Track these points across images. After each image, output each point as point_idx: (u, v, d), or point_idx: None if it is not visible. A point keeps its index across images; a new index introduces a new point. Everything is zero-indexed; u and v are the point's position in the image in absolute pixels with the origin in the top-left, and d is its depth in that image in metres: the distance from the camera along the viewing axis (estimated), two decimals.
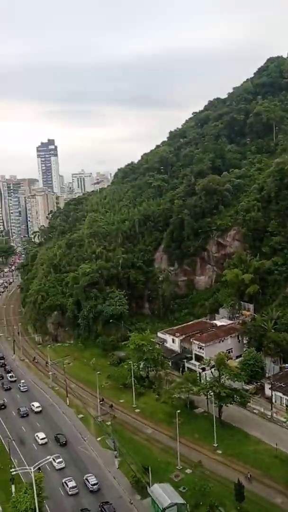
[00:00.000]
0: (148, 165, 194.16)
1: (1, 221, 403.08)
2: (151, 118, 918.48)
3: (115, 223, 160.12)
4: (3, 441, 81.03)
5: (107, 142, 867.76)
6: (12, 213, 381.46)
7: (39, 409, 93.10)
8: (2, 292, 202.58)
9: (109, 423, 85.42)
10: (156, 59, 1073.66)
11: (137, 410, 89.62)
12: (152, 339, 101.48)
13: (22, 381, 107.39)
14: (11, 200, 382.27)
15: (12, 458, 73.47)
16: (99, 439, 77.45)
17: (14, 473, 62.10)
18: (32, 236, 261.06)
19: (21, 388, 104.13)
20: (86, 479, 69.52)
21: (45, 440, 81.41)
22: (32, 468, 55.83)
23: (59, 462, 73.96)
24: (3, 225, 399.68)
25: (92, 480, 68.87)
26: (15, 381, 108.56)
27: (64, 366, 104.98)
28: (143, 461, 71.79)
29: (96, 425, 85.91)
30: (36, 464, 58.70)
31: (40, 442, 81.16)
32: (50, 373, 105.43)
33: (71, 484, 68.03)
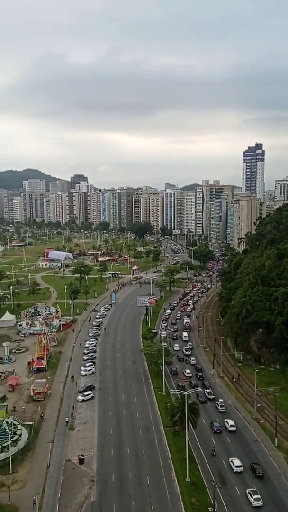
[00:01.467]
0: None
1: (201, 225, 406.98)
2: None
3: None
4: (202, 476, 70.74)
5: None
6: (212, 217, 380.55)
7: (234, 428, 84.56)
8: (201, 297, 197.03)
9: None
10: None
11: None
12: None
13: (221, 400, 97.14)
14: (212, 205, 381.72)
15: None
16: None
17: None
18: (237, 241, 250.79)
19: (219, 407, 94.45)
20: None
21: (241, 468, 71.71)
22: None
23: (256, 500, 63.18)
24: (202, 229, 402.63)
25: None
26: (212, 398, 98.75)
27: (271, 396, 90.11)
28: None
29: None
30: None
31: (235, 469, 71.65)
32: (258, 404, 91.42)
33: None
